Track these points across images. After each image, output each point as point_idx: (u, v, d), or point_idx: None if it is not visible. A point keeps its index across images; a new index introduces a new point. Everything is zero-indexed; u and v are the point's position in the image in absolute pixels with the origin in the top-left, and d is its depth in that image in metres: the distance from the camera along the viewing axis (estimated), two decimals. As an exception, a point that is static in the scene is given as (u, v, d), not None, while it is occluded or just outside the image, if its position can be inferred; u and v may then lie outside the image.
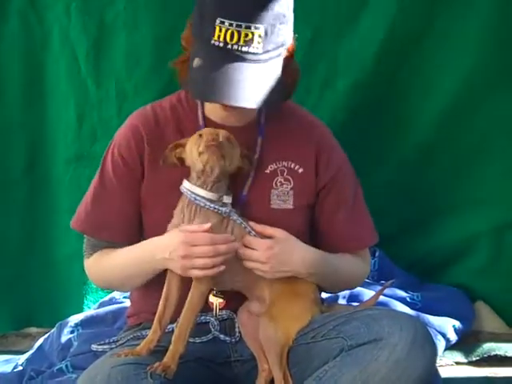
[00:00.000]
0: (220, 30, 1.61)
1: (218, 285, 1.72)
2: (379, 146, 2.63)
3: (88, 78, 2.56)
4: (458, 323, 2.44)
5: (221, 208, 1.68)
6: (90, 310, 2.53)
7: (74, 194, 2.55)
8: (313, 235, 1.85)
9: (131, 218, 1.78)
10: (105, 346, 1.80)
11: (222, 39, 1.61)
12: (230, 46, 1.62)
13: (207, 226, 1.64)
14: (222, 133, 1.68)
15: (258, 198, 1.77)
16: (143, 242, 1.75)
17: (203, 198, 1.68)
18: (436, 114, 2.58)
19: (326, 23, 2.55)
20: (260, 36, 1.61)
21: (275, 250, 1.68)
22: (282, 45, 1.67)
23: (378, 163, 2.62)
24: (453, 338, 2.41)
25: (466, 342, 2.44)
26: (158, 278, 1.73)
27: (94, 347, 1.82)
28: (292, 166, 1.79)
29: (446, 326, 2.41)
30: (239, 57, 1.62)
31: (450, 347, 2.40)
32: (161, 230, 1.71)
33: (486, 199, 2.59)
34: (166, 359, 1.59)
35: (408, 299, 2.50)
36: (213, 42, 1.62)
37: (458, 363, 2.35)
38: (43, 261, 2.65)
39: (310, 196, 1.81)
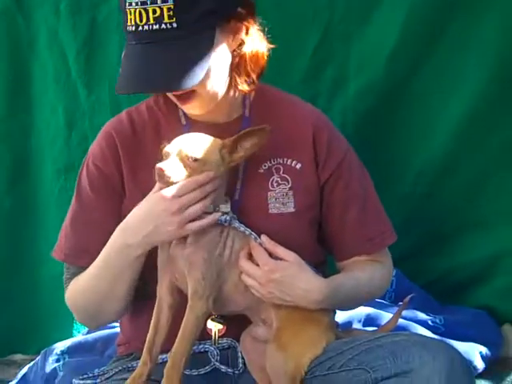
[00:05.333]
0: (130, 13, 1.49)
1: (217, 307, 1.57)
2: (393, 157, 2.52)
3: (78, 83, 2.48)
4: (484, 349, 2.32)
5: (220, 217, 1.54)
6: (78, 336, 2.44)
7: (64, 209, 2.46)
8: (323, 240, 1.70)
9: None
10: (88, 382, 1.66)
11: (133, 22, 1.50)
12: (141, 28, 1.49)
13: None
14: (181, 151, 1.48)
15: (254, 202, 1.62)
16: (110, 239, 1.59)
17: None
18: (455, 121, 2.46)
19: (335, 24, 2.45)
20: (170, 9, 1.46)
21: (276, 276, 1.53)
22: (211, 13, 1.49)
23: (393, 175, 2.50)
24: (480, 365, 2.28)
25: (493, 370, 2.31)
26: (150, 301, 1.59)
27: (76, 382, 1.68)
28: (288, 162, 1.64)
29: (473, 352, 2.29)
30: (152, 37, 1.48)
31: (476, 376, 2.26)
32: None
33: (514, 213, 2.52)
34: (158, 396, 1.46)
35: (430, 322, 2.40)
36: (128, 27, 1.51)
37: (486, 394, 2.26)
38: (29, 281, 2.56)
39: (314, 194, 1.66)
